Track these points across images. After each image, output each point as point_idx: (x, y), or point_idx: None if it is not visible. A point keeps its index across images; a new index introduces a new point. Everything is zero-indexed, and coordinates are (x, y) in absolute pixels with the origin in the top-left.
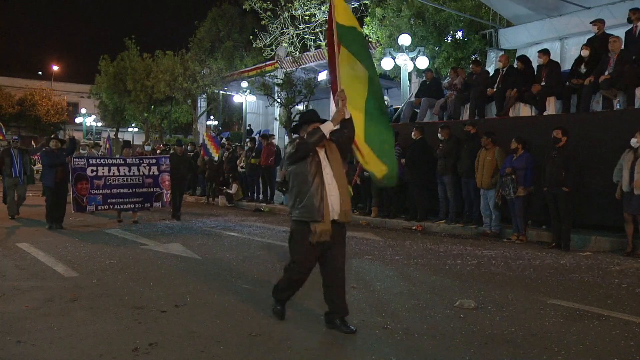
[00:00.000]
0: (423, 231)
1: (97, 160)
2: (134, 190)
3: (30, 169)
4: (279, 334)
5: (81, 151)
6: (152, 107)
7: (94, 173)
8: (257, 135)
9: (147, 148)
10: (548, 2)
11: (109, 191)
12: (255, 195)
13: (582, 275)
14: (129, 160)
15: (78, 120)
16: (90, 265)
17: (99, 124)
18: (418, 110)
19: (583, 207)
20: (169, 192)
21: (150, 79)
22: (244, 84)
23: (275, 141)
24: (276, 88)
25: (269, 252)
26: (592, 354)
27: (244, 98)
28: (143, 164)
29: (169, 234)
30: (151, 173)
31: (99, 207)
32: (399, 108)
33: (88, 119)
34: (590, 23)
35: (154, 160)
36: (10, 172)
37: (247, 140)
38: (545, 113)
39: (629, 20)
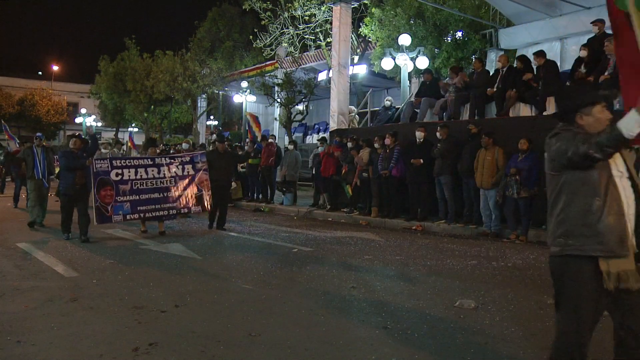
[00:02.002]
0: (423, 231)
1: (122, 161)
2: (166, 194)
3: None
4: (279, 334)
5: (102, 151)
6: (152, 107)
7: (119, 177)
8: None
9: (185, 146)
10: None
11: (138, 197)
12: (255, 195)
13: None
14: (157, 160)
15: (78, 120)
16: (90, 265)
17: (99, 124)
18: (418, 110)
19: None
20: (208, 193)
21: (150, 79)
22: (244, 84)
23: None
24: (276, 88)
25: (269, 252)
26: (591, 353)
27: (244, 98)
28: (175, 163)
29: (169, 234)
30: (186, 173)
31: (127, 217)
32: (399, 108)
33: (88, 119)
34: (591, 23)
35: (188, 158)
36: (33, 173)
37: (247, 140)
38: (545, 113)
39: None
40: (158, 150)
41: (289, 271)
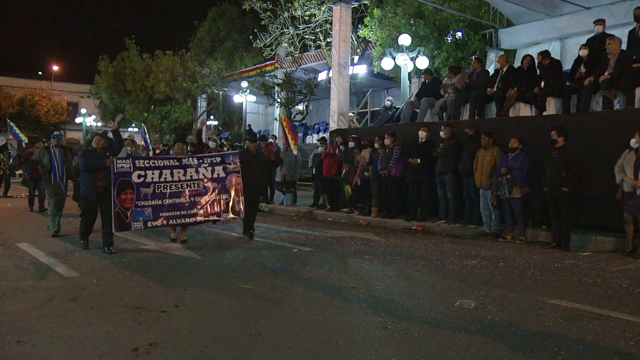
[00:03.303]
0: (423, 231)
1: (145, 161)
2: (193, 199)
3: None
4: (279, 334)
5: (127, 149)
6: (152, 107)
7: (141, 179)
8: (257, 134)
9: (212, 145)
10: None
11: (161, 202)
12: None
13: (582, 275)
14: (184, 161)
15: (78, 120)
16: (90, 265)
17: (99, 124)
18: (418, 110)
19: (583, 207)
20: (241, 198)
21: (150, 79)
22: (244, 84)
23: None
24: (276, 88)
25: (269, 252)
26: (592, 354)
27: (244, 98)
28: (204, 164)
29: (169, 234)
30: (215, 175)
31: (149, 224)
32: (399, 108)
33: (88, 119)
34: (594, 22)
35: (219, 159)
36: (50, 176)
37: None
38: (545, 113)
39: (636, 19)
40: (191, 149)
41: (289, 271)
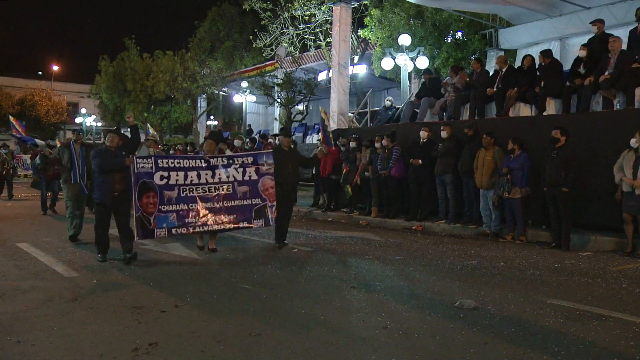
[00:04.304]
0: (423, 231)
1: (169, 161)
2: (222, 204)
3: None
4: (279, 334)
5: (150, 150)
6: (152, 107)
7: (164, 181)
8: (257, 135)
9: (238, 143)
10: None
11: (186, 207)
12: None
13: (582, 275)
14: (213, 161)
15: (78, 120)
16: (90, 265)
17: (99, 124)
18: (418, 110)
19: (583, 207)
20: (274, 204)
21: (150, 79)
22: (244, 84)
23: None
24: (276, 88)
25: (269, 252)
26: (592, 354)
27: (244, 98)
28: (234, 165)
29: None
30: (247, 177)
31: (173, 231)
32: (399, 108)
33: (88, 119)
34: (590, 23)
35: (250, 159)
36: (70, 176)
37: (247, 140)
38: (545, 113)
39: (639, 19)
40: (223, 148)
41: (289, 271)
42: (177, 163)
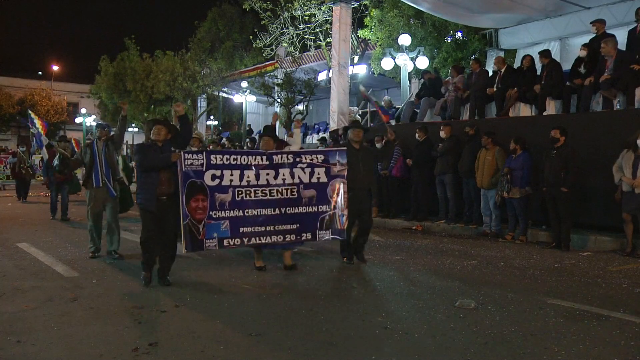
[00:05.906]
0: (423, 231)
1: (223, 157)
2: (283, 210)
3: (128, 170)
4: (279, 334)
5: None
6: (152, 107)
7: (216, 181)
8: (257, 135)
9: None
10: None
11: (242, 213)
12: None
13: (582, 275)
14: (276, 158)
15: (78, 120)
16: (90, 265)
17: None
18: (418, 110)
19: (583, 207)
20: (345, 213)
21: (150, 79)
22: (244, 84)
23: None
24: (276, 88)
25: (268, 252)
26: (592, 354)
27: (244, 98)
28: (301, 164)
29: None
30: (315, 180)
31: (225, 242)
32: (399, 108)
33: (88, 119)
34: (590, 23)
35: (321, 157)
36: (91, 178)
37: (247, 140)
38: (545, 113)
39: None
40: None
41: (289, 271)
42: (234, 160)
